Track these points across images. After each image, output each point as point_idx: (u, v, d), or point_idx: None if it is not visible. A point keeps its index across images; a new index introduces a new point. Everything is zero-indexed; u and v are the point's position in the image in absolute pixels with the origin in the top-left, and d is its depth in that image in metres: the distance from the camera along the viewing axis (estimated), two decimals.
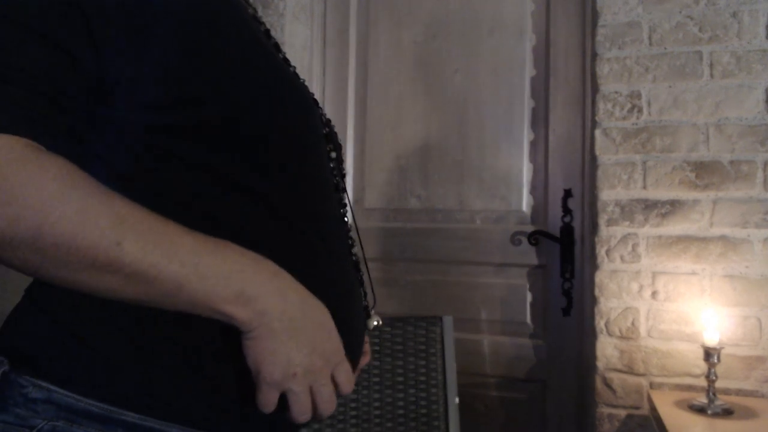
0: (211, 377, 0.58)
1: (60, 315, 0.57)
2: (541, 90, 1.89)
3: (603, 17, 1.65)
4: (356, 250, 0.77)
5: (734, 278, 1.53)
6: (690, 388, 1.53)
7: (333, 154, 0.75)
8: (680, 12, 1.60)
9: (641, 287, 1.59)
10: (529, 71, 1.91)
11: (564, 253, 1.80)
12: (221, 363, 0.59)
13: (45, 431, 0.54)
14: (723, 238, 1.54)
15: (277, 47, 0.74)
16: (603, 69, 1.65)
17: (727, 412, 1.36)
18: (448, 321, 1.48)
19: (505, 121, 1.92)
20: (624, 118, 1.63)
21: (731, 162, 1.55)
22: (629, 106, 1.63)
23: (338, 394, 0.62)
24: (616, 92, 1.64)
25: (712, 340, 1.41)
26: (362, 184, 2.07)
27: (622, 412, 1.59)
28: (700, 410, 1.38)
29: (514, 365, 1.87)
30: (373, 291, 0.81)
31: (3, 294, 0.84)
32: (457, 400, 1.42)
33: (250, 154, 0.62)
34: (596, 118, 1.65)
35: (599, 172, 1.64)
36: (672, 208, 1.58)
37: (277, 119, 0.64)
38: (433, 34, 2.01)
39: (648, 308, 1.58)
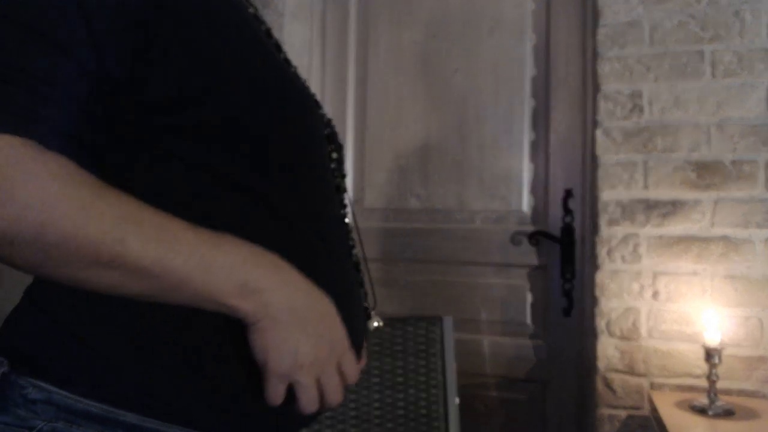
0: (211, 377, 0.58)
1: (60, 315, 0.57)
2: (542, 90, 1.89)
3: (604, 16, 1.65)
4: (357, 251, 0.77)
5: (735, 278, 1.52)
6: (691, 388, 1.53)
7: (334, 155, 0.75)
8: (682, 11, 1.59)
9: (642, 287, 1.59)
10: (529, 71, 1.91)
11: (564, 253, 1.80)
12: (221, 363, 0.59)
13: None
14: (724, 239, 1.54)
15: (278, 47, 0.74)
16: (604, 68, 1.65)
17: (728, 413, 1.36)
18: (448, 321, 1.48)
19: (505, 121, 1.92)
20: (625, 118, 1.63)
21: (733, 162, 1.55)
22: (630, 105, 1.62)
23: (344, 384, 0.63)
24: (617, 92, 1.63)
25: (713, 340, 1.41)
26: (362, 184, 2.07)
27: (623, 413, 1.59)
28: (701, 411, 1.37)
29: (514, 366, 1.86)
30: (373, 292, 0.81)
31: (3, 294, 0.84)
32: (457, 400, 1.42)
33: (251, 155, 0.62)
34: (597, 118, 1.65)
35: (600, 172, 1.64)
36: (673, 208, 1.58)
37: (277, 119, 0.64)
38: (433, 33, 2.01)
39: (649, 308, 1.58)
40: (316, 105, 0.74)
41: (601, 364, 1.61)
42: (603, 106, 1.64)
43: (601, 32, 1.65)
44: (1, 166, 0.48)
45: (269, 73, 0.65)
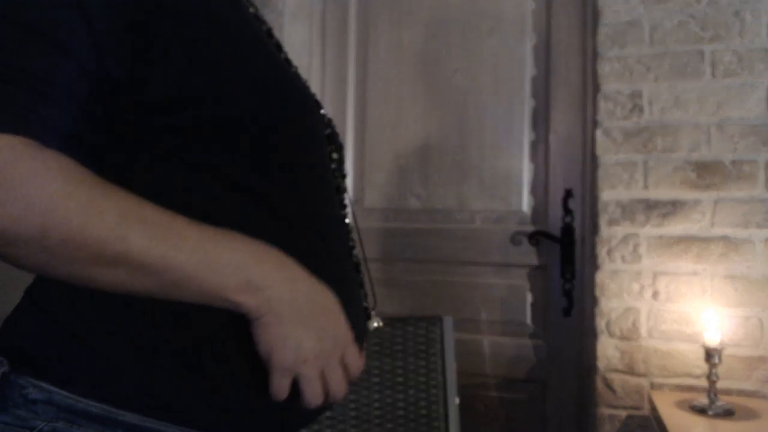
0: (211, 377, 0.58)
1: (60, 315, 0.57)
2: (542, 90, 1.89)
3: (604, 16, 1.65)
4: (357, 251, 0.77)
5: (735, 278, 1.52)
6: (691, 388, 1.53)
7: (335, 155, 0.75)
8: (682, 11, 1.59)
9: (642, 287, 1.59)
10: (529, 71, 1.91)
11: (564, 253, 1.80)
12: (221, 363, 0.59)
13: None
14: (724, 239, 1.54)
15: (278, 47, 0.74)
16: (604, 68, 1.65)
17: (728, 413, 1.36)
18: (448, 321, 1.48)
19: (506, 121, 1.92)
20: (625, 118, 1.63)
21: (733, 162, 1.55)
22: (630, 105, 1.62)
23: (348, 377, 0.63)
24: (617, 92, 1.63)
25: (713, 340, 1.41)
26: (362, 184, 2.07)
27: (623, 413, 1.59)
28: (701, 411, 1.37)
29: (514, 366, 1.86)
30: (373, 292, 0.81)
31: (3, 294, 0.84)
32: (457, 400, 1.42)
33: (251, 155, 0.62)
34: (597, 118, 1.65)
35: (600, 172, 1.64)
36: (673, 208, 1.58)
37: (277, 119, 0.64)
38: (433, 33, 2.01)
39: (649, 308, 1.58)
40: (317, 105, 0.74)
41: (601, 364, 1.61)
42: (603, 106, 1.64)
43: (602, 32, 1.65)
44: (2, 165, 0.47)
45: (270, 73, 0.65)
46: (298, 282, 0.59)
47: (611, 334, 1.60)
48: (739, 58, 1.55)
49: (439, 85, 1.99)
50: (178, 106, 0.58)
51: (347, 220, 0.76)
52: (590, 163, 1.72)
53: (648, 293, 1.58)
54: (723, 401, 1.39)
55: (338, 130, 0.78)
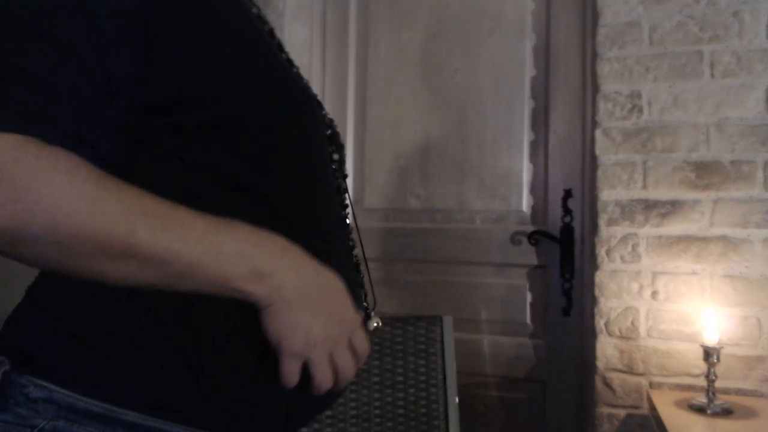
0: (212, 375, 0.58)
1: (61, 314, 0.57)
2: (541, 90, 1.89)
3: (603, 17, 1.65)
4: (357, 251, 0.77)
5: (734, 278, 1.53)
6: (690, 387, 1.53)
7: (335, 156, 0.75)
8: (681, 12, 1.60)
9: (641, 287, 1.59)
10: (529, 71, 1.91)
11: (564, 253, 1.80)
12: (222, 361, 0.59)
13: (46, 431, 0.54)
14: (723, 238, 1.54)
15: (280, 47, 0.74)
16: (603, 69, 1.65)
17: (726, 412, 1.36)
18: (448, 321, 1.48)
19: (505, 121, 1.92)
20: (624, 118, 1.63)
21: (732, 162, 1.55)
22: (629, 106, 1.63)
23: (356, 360, 0.64)
24: (617, 92, 1.64)
25: (711, 339, 1.41)
26: (362, 184, 2.07)
27: (622, 412, 1.59)
28: (700, 410, 1.38)
29: (514, 365, 1.87)
30: (373, 293, 0.81)
31: (4, 294, 0.84)
32: (457, 399, 1.42)
33: (251, 155, 0.62)
34: (596, 118, 1.65)
35: (599, 172, 1.64)
36: (672, 208, 1.58)
37: (279, 120, 0.64)
38: (433, 34, 2.01)
39: (648, 308, 1.58)
40: (318, 105, 0.74)
41: (601, 363, 1.61)
42: (602, 106, 1.65)
43: (601, 32, 1.66)
44: (6, 164, 0.47)
45: (271, 74, 0.65)
46: (304, 267, 0.60)
47: (610, 334, 1.61)
48: (738, 58, 1.55)
49: (439, 85, 1.99)
50: (179, 106, 0.58)
51: (348, 221, 0.76)
52: (590, 163, 1.73)
53: (647, 293, 1.59)
54: (721, 400, 1.40)
55: (338, 130, 0.78)
